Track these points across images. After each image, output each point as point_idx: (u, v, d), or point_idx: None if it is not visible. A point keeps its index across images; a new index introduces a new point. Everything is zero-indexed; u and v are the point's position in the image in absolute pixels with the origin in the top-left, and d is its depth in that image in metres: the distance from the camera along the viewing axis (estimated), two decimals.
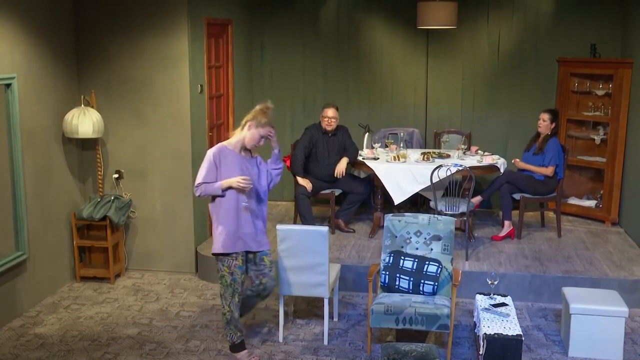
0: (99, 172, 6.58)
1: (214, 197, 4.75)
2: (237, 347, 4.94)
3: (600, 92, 7.63)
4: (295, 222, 7.34)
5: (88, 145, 6.63)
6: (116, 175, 6.66)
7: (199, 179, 4.72)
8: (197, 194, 4.75)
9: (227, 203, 4.73)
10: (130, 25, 6.42)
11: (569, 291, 5.33)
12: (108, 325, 5.63)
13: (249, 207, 4.76)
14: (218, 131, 7.39)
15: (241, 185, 4.65)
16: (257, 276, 4.94)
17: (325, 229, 5.11)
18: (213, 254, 4.84)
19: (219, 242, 4.77)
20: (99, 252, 6.64)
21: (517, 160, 7.16)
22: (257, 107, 4.79)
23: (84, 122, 6.18)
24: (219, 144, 4.83)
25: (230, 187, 4.69)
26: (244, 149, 4.82)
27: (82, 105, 6.35)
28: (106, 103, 6.56)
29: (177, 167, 6.60)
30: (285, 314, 5.68)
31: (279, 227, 5.16)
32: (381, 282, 5.25)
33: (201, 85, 6.73)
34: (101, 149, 6.61)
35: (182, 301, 6.12)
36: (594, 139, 7.73)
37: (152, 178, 6.66)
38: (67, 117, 6.21)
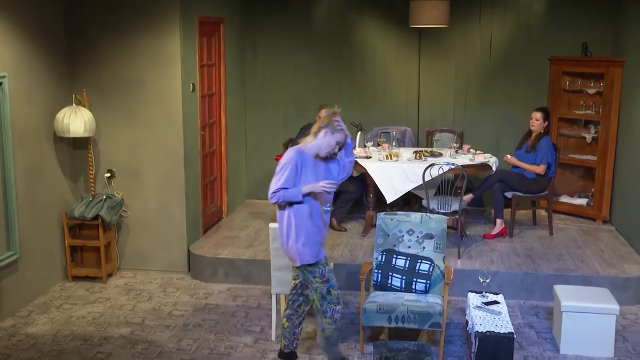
0: (91, 172, 6.56)
1: (284, 205, 4.49)
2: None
3: (591, 91, 7.67)
4: None
5: (80, 144, 6.62)
6: (108, 175, 6.65)
7: (278, 184, 4.42)
8: (272, 202, 4.46)
9: (304, 210, 4.48)
10: (122, 24, 6.40)
11: (560, 289, 5.36)
12: (100, 324, 5.62)
13: (329, 211, 4.58)
14: (210, 130, 7.38)
15: (326, 188, 4.42)
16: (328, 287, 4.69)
17: None
18: (302, 266, 4.55)
19: (303, 254, 4.51)
20: (90, 251, 6.62)
21: (508, 156, 7.19)
22: (328, 113, 4.58)
23: (76, 121, 6.17)
24: (298, 148, 4.55)
25: (309, 193, 4.44)
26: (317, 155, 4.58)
27: (74, 105, 6.33)
28: (98, 102, 6.54)
29: (169, 166, 6.59)
30: (278, 312, 5.68)
31: (271, 226, 5.16)
32: (374, 280, 5.26)
33: (193, 84, 6.72)
34: (93, 148, 6.59)
35: (174, 300, 6.12)
36: (585, 138, 7.77)
37: (144, 177, 6.65)
38: (59, 116, 6.19)
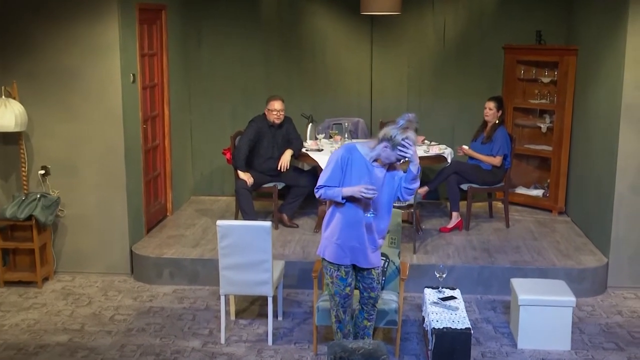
0: (23, 169, 6.39)
1: (332, 202, 4.44)
2: None
3: (546, 80, 7.81)
4: (236, 218, 7.28)
5: (10, 139, 6.43)
6: (42, 172, 6.49)
7: (321, 180, 4.40)
8: (317, 196, 4.45)
9: (346, 215, 4.42)
10: (56, 10, 6.24)
11: (517, 282, 5.44)
12: (36, 332, 5.47)
13: (372, 221, 4.43)
14: (153, 123, 7.27)
15: (364, 194, 4.26)
16: (365, 288, 4.68)
17: (268, 224, 5.08)
18: (322, 258, 4.59)
19: (326, 247, 4.52)
20: (24, 254, 6.46)
21: (464, 147, 7.25)
22: (400, 126, 4.27)
23: (5, 114, 5.99)
24: (351, 144, 4.44)
25: (352, 197, 4.35)
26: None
27: (3, 97, 6.15)
28: (30, 95, 6.37)
29: (109, 161, 6.48)
30: (227, 314, 5.63)
31: (219, 223, 5.11)
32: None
33: (133, 75, 6.61)
34: (25, 143, 6.42)
35: (116, 304, 6.00)
36: (541, 127, 7.91)
37: (82, 174, 6.52)
38: None
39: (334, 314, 4.71)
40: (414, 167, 4.36)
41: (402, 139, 4.27)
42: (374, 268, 4.63)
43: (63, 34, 6.28)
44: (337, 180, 4.39)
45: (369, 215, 4.41)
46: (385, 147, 4.32)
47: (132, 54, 6.58)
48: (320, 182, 4.43)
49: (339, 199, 4.38)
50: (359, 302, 4.79)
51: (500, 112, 7.19)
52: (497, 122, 7.18)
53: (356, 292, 4.83)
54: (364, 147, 4.44)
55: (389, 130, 4.30)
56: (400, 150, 4.28)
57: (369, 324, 4.76)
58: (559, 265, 6.25)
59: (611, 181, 6.33)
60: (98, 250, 6.64)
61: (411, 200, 6.60)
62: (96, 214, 6.58)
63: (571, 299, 5.18)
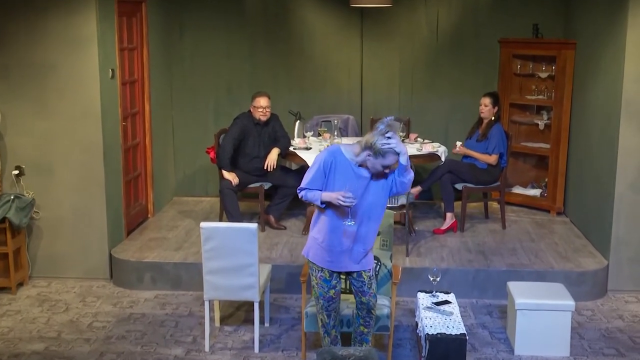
0: None
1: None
2: None
3: (543, 75, 7.85)
4: (221, 220, 7.27)
5: None
6: (16, 172, 6.46)
7: (303, 182, 4.44)
8: (299, 196, 4.50)
9: (330, 219, 4.45)
10: (30, 1, 6.20)
11: (514, 286, 5.46)
12: (10, 340, 5.44)
13: (353, 229, 4.44)
14: (133, 120, 7.26)
15: (341, 202, 4.27)
16: (355, 292, 4.68)
17: (254, 226, 5.07)
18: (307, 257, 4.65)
19: (310, 248, 4.58)
20: None
21: (459, 144, 7.27)
22: (379, 131, 4.25)
23: None
24: (336, 146, 4.45)
25: (330, 203, 4.36)
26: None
27: None
28: (3, 91, 6.35)
29: (87, 160, 6.46)
30: (212, 320, 5.62)
31: (202, 225, 5.10)
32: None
33: (112, 70, 6.59)
34: None
35: (95, 311, 5.99)
36: (538, 124, 7.95)
37: (59, 174, 6.49)
38: None
39: (320, 318, 4.74)
40: (403, 158, 4.31)
41: (382, 144, 4.25)
42: (363, 271, 4.63)
43: (38, 27, 6.25)
44: (320, 184, 4.42)
45: (347, 223, 4.41)
46: (369, 155, 4.32)
47: (111, 48, 6.55)
48: (302, 183, 4.47)
49: (319, 203, 4.41)
50: (355, 307, 4.80)
51: (496, 108, 7.22)
52: (492, 119, 7.22)
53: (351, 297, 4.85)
54: (349, 151, 4.44)
55: (369, 138, 4.31)
56: (383, 144, 4.25)
57: (365, 330, 4.77)
58: (558, 267, 6.29)
59: (611, 180, 6.37)
60: (75, 254, 6.61)
61: (404, 200, 6.62)
62: (73, 216, 6.55)
63: (570, 303, 5.21)
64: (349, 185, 4.34)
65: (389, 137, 4.25)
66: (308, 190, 4.44)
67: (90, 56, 6.28)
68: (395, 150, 4.24)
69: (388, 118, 4.36)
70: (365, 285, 4.66)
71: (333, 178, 4.40)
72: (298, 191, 4.51)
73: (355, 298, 4.74)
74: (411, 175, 4.43)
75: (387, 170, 4.39)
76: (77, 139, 6.43)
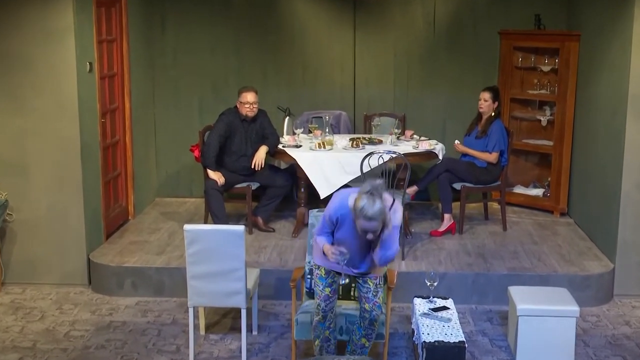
0: None
1: None
2: None
3: (545, 68, 7.85)
4: (206, 222, 7.24)
5: None
6: None
7: (316, 229, 4.72)
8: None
9: (328, 262, 4.63)
10: None
11: (515, 291, 5.45)
12: None
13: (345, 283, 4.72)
14: (112, 117, 7.24)
15: (330, 257, 4.45)
16: (360, 297, 4.77)
17: (241, 228, 5.05)
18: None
19: (315, 248, 4.75)
20: None
21: (457, 142, 7.27)
22: (357, 197, 4.26)
23: None
24: (347, 199, 4.45)
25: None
26: None
27: None
28: None
29: (64, 159, 6.44)
30: (196, 328, 5.59)
31: (186, 227, 5.07)
32: (306, 288, 5.25)
33: (90, 63, 6.57)
34: None
35: (72, 319, 5.95)
36: (540, 120, 7.95)
37: (34, 174, 6.46)
38: None
39: (314, 319, 4.81)
40: (392, 225, 4.36)
41: (361, 205, 4.19)
42: (369, 278, 4.70)
43: (11, 17, 6.21)
44: (328, 230, 4.60)
45: (342, 281, 4.64)
46: (356, 217, 4.29)
47: (89, 40, 6.53)
48: (315, 229, 4.75)
49: (320, 253, 4.63)
50: (358, 315, 4.83)
51: (496, 103, 7.21)
52: (492, 114, 7.21)
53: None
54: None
55: (356, 202, 4.24)
56: (362, 206, 4.20)
57: (367, 343, 4.80)
58: (561, 271, 6.28)
59: (617, 179, 6.37)
60: (51, 258, 6.58)
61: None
62: (49, 218, 6.53)
63: (574, 308, 5.20)
64: (350, 237, 4.48)
65: (370, 199, 4.19)
66: (318, 237, 4.65)
67: (67, 48, 6.25)
68: (368, 216, 4.18)
69: (378, 181, 4.30)
70: (370, 292, 4.70)
71: (343, 226, 4.52)
72: (315, 235, 4.69)
73: (359, 304, 4.79)
74: (391, 252, 4.44)
75: (369, 236, 4.32)
76: (53, 136, 6.39)
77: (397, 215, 4.42)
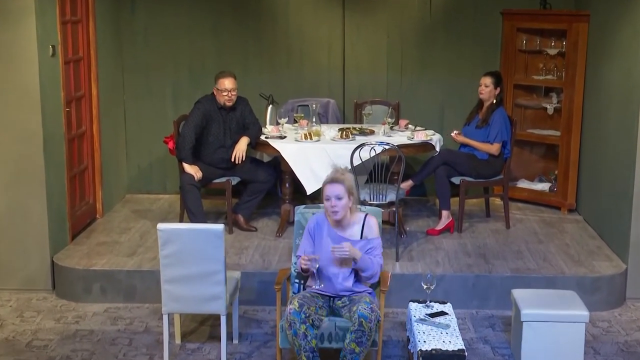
0: None
1: None
2: None
3: (552, 51, 7.89)
4: (181, 220, 7.24)
5: None
6: None
7: (298, 249, 5.14)
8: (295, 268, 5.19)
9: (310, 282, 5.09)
10: None
11: (519, 294, 5.48)
12: None
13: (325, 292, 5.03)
14: (78, 105, 7.22)
15: (302, 266, 4.92)
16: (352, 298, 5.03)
17: (220, 227, 5.06)
18: None
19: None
20: None
21: (458, 132, 7.29)
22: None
23: None
24: (322, 214, 5.13)
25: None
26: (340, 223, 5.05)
27: None
28: None
29: (25, 151, 6.43)
30: (171, 336, 5.59)
31: (160, 227, 5.08)
32: (293, 292, 5.26)
33: (53, 47, 6.56)
34: None
35: (34, 327, 5.95)
36: (546, 108, 7.99)
37: None
38: None
39: (289, 309, 4.91)
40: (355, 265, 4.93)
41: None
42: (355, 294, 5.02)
43: None
44: (311, 250, 5.01)
45: (316, 286, 4.98)
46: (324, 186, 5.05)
47: (52, 21, 6.51)
48: (298, 251, 5.13)
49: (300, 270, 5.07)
50: (349, 317, 4.88)
51: (498, 90, 7.24)
52: (494, 102, 7.23)
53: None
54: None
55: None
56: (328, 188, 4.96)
57: (358, 349, 4.78)
58: (569, 273, 6.33)
59: (630, 172, 6.41)
60: (11, 261, 6.57)
61: (393, 196, 6.63)
62: (8, 218, 6.51)
63: (584, 313, 5.24)
64: (327, 250, 4.90)
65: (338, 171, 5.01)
66: (299, 257, 5.03)
67: (27, 30, 6.24)
68: (334, 178, 4.92)
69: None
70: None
71: (318, 243, 5.03)
72: (296, 258, 5.15)
73: (350, 305, 4.88)
74: (371, 271, 4.94)
75: (332, 206, 4.92)
76: (12, 127, 6.38)
77: (373, 229, 5.02)
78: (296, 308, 4.76)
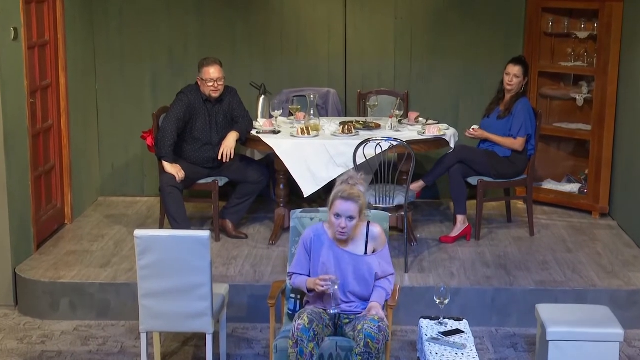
0: None
1: None
2: None
3: (582, 35, 7.90)
4: (161, 227, 7.26)
5: None
6: None
7: (290, 266, 5.15)
8: (289, 284, 5.18)
9: (315, 302, 5.04)
10: None
11: (545, 310, 5.50)
12: None
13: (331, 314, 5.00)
14: (44, 96, 7.23)
15: (319, 288, 4.84)
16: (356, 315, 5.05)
17: (205, 234, 5.08)
18: None
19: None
20: None
21: (475, 127, 7.29)
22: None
23: None
24: (319, 224, 5.14)
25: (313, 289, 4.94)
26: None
27: None
28: None
29: None
30: (150, 358, 5.61)
31: (137, 233, 5.09)
32: (288, 308, 5.27)
33: (15, 29, 6.57)
34: None
35: None
36: (576, 99, 8.00)
37: None
38: None
39: (295, 326, 4.88)
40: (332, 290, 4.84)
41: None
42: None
43: None
44: (306, 267, 5.04)
45: (332, 310, 4.93)
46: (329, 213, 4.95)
47: (13, 0, 6.52)
48: (289, 267, 5.15)
49: (305, 291, 5.02)
50: (353, 337, 4.89)
51: (526, 79, 7.23)
52: (519, 91, 7.21)
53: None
54: (329, 224, 5.02)
55: (334, 190, 4.98)
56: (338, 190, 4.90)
57: None
58: (601, 286, 6.34)
59: None
60: None
61: (401, 199, 6.65)
62: None
63: (618, 331, 5.25)
64: (331, 267, 4.94)
65: (348, 184, 4.90)
66: (296, 275, 5.05)
67: None
68: (345, 195, 4.82)
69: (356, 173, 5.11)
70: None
71: (317, 258, 4.99)
72: (287, 276, 5.14)
73: (355, 323, 4.89)
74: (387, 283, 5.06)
75: (342, 227, 4.87)
76: None
77: (379, 240, 5.04)
78: (305, 324, 4.75)
